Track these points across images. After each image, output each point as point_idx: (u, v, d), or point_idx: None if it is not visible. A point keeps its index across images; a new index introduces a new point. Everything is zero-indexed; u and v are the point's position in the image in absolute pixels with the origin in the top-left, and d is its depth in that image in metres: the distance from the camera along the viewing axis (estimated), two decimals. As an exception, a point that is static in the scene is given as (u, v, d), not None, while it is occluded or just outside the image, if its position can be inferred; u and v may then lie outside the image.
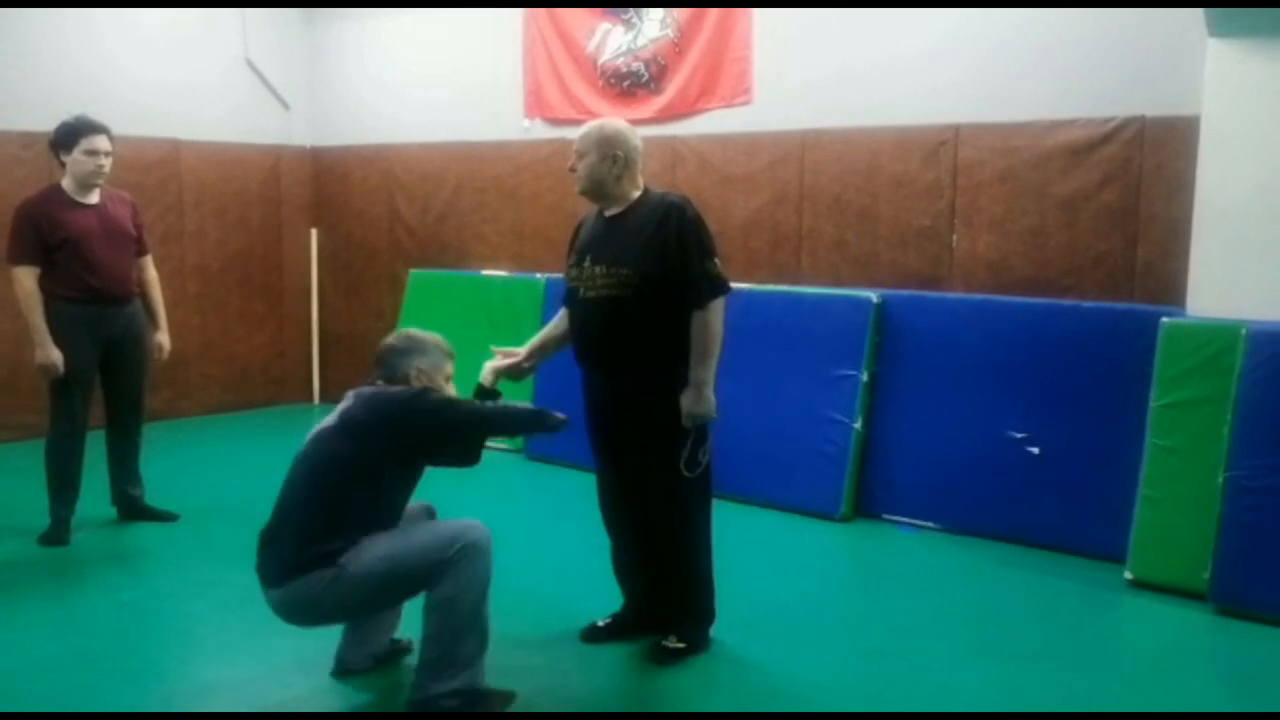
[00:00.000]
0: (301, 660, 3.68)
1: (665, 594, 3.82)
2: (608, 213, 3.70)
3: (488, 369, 3.78)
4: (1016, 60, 5.41)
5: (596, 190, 3.67)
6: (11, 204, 6.59)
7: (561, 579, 4.62)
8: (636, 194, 3.67)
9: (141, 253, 5.25)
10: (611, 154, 3.60)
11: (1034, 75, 5.38)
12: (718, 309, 3.55)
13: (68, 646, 3.86)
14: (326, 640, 3.58)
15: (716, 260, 3.59)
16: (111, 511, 5.31)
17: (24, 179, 6.78)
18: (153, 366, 5.37)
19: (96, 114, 4.94)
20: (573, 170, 3.69)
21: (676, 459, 3.58)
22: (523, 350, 3.89)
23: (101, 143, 4.96)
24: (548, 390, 6.61)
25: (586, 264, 3.65)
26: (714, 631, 3.86)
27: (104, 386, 5.15)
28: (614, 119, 3.88)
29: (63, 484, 5.00)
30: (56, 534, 4.96)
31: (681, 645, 3.74)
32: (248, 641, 3.85)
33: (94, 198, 5.02)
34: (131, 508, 5.29)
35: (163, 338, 5.32)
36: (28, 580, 4.54)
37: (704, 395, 3.53)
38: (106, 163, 4.98)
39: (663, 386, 3.57)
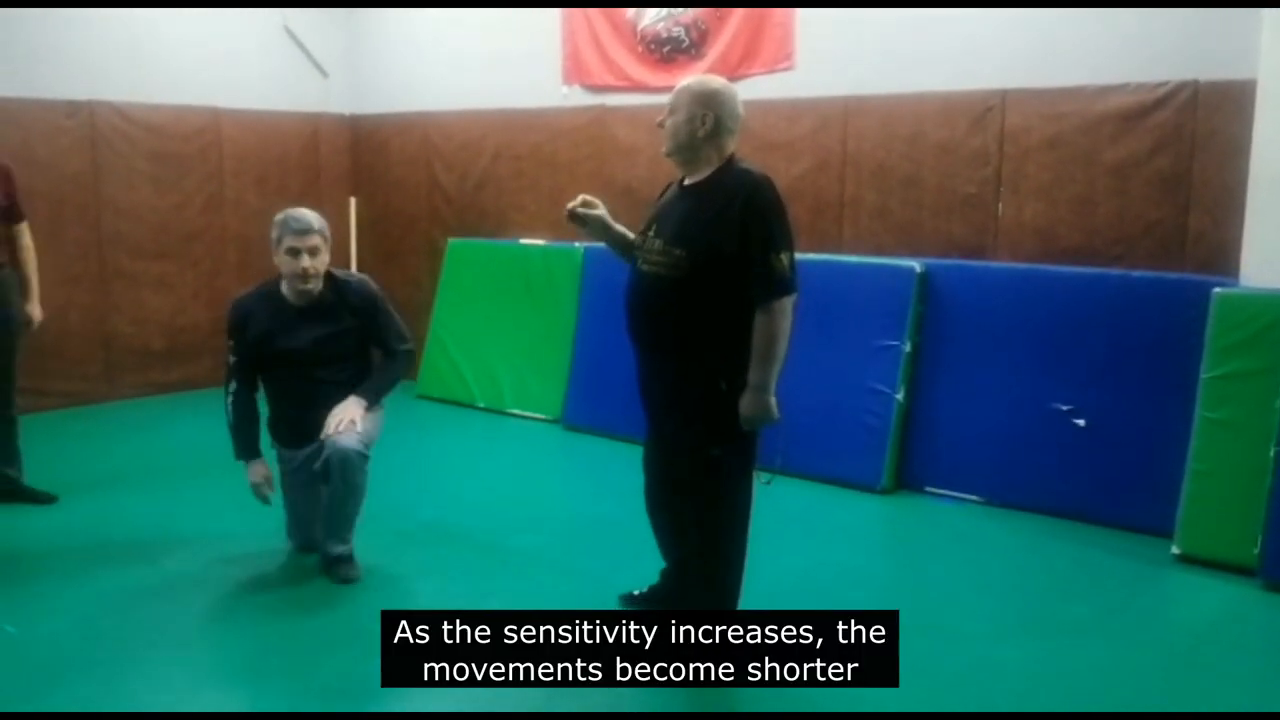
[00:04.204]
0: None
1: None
2: (687, 181, 3.41)
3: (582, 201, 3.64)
4: (1065, 24, 5.28)
5: (680, 152, 3.37)
6: (57, 172, 6.77)
7: (598, 548, 4.61)
8: (718, 164, 3.34)
9: (15, 220, 4.98)
10: (701, 114, 3.29)
11: (1083, 39, 5.25)
12: (782, 311, 3.21)
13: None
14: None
15: (783, 256, 3.20)
16: None
17: (68, 147, 6.87)
18: (24, 337, 5.12)
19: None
20: (660, 126, 3.40)
21: (708, 453, 3.35)
22: (603, 213, 3.63)
23: None
24: (588, 353, 6.62)
25: (650, 234, 3.41)
26: (744, 605, 3.57)
27: None
28: (717, 77, 3.57)
29: None
30: None
31: None
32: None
33: None
34: (9, 489, 5.03)
35: (34, 308, 5.08)
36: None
37: (761, 400, 3.25)
38: None
39: (703, 376, 3.31)
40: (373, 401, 4.20)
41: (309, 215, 4.17)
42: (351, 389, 4.18)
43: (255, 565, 4.32)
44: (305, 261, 4.10)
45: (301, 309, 4.20)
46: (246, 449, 4.27)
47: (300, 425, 4.20)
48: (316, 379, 4.19)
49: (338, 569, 4.16)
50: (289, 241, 4.10)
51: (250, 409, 4.27)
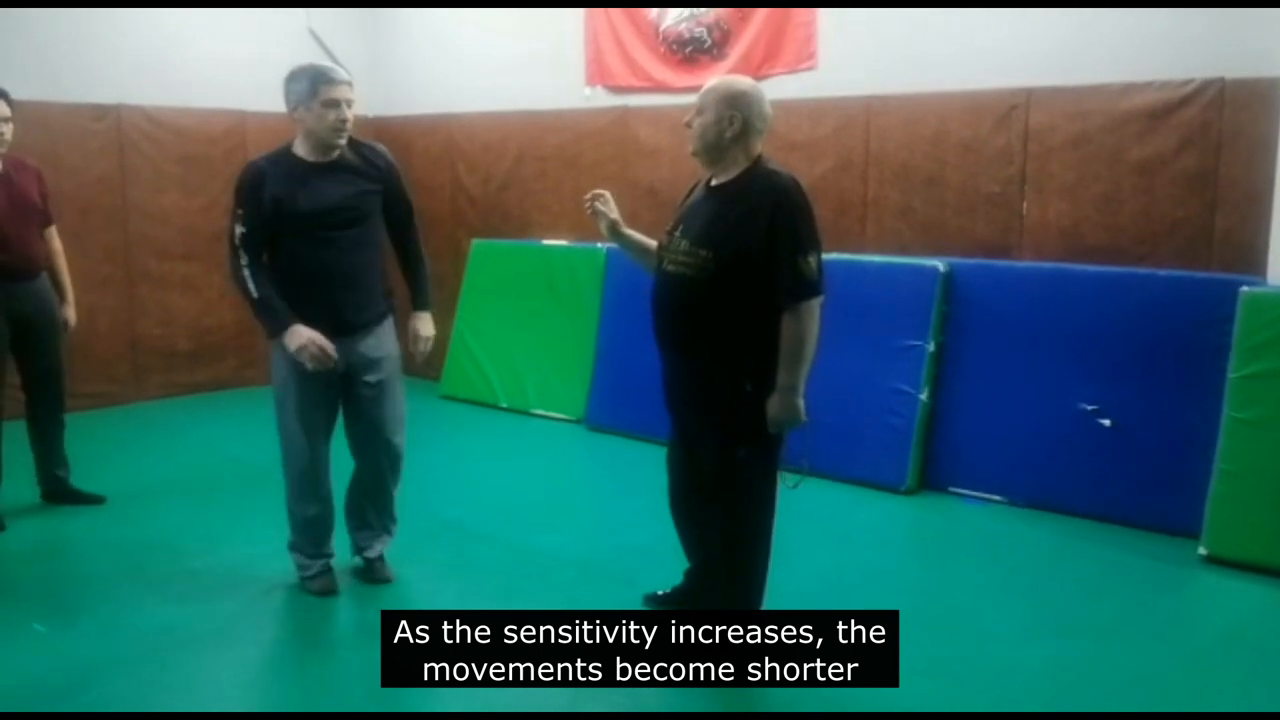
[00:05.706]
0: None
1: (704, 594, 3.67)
2: (714, 181, 3.41)
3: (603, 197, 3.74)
4: (1090, 21, 5.24)
5: (707, 153, 3.37)
6: (84, 177, 6.84)
7: (621, 548, 4.62)
8: (746, 165, 3.34)
9: (47, 223, 4.91)
10: (729, 114, 3.28)
11: (1109, 36, 5.21)
12: (809, 313, 3.22)
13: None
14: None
15: (811, 258, 3.21)
16: (36, 496, 5.10)
17: (96, 151, 6.94)
18: (65, 342, 5.08)
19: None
20: (688, 126, 3.39)
21: (733, 454, 3.37)
22: (618, 218, 3.72)
23: None
24: (611, 353, 6.63)
25: (677, 235, 3.40)
26: (768, 605, 3.55)
27: (20, 367, 4.87)
28: (745, 77, 3.57)
29: None
30: None
31: None
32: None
33: None
34: (57, 490, 5.06)
35: (69, 312, 5.05)
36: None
37: (790, 402, 3.26)
38: (6, 129, 4.59)
39: (729, 377, 3.32)
40: (430, 303, 4.31)
41: (337, 67, 3.98)
42: (371, 253, 4.04)
43: (285, 564, 4.34)
44: (345, 112, 3.88)
45: (319, 166, 3.93)
46: (282, 318, 3.81)
47: (327, 308, 3.87)
48: (339, 242, 3.89)
49: (371, 570, 4.19)
50: (328, 92, 3.84)
51: (269, 280, 3.86)
